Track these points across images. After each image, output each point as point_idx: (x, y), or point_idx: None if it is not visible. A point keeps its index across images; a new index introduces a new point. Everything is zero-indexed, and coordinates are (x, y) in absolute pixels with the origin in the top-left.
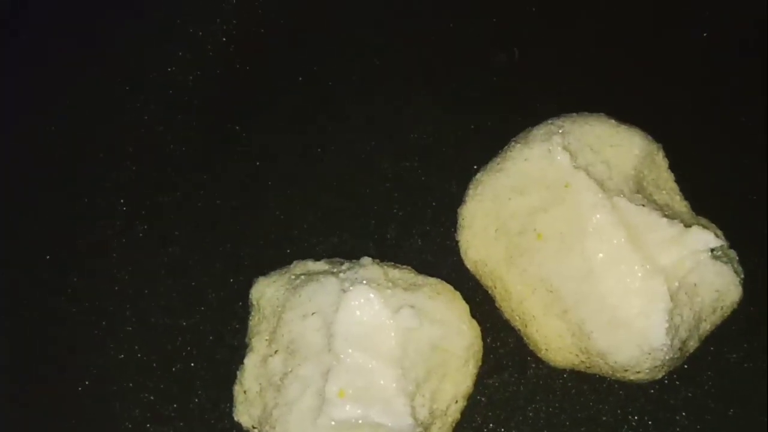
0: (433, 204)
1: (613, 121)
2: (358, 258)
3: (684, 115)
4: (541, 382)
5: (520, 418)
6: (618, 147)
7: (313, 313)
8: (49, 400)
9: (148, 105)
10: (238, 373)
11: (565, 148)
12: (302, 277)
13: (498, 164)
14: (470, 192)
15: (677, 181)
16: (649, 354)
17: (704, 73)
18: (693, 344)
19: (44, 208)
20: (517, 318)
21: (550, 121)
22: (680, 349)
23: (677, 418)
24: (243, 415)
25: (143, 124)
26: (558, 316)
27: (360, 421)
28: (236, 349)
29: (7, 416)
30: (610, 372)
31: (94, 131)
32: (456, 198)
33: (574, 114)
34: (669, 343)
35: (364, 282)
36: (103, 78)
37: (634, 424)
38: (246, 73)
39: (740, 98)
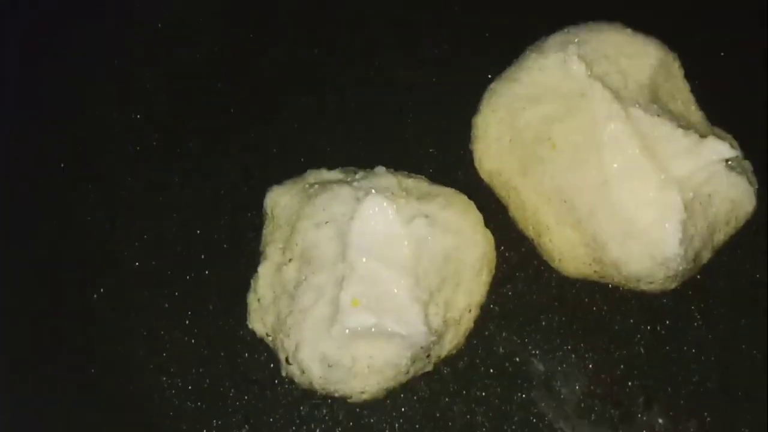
0: (448, 113)
1: (629, 30)
2: (372, 167)
3: (700, 24)
4: (554, 292)
5: (533, 327)
6: (634, 56)
7: (327, 222)
8: (64, 310)
9: (160, 14)
10: (252, 281)
11: (580, 57)
12: (316, 185)
13: (513, 73)
14: (485, 101)
15: (693, 91)
16: (663, 264)
17: None
18: (706, 255)
19: (56, 122)
20: (531, 228)
21: (565, 30)
22: (693, 259)
23: (689, 328)
24: (257, 322)
25: (158, 34)
26: (572, 226)
27: (374, 330)
28: (250, 258)
29: (20, 327)
30: (623, 282)
31: (108, 38)
32: (471, 107)
33: (590, 23)
34: (682, 253)
35: (379, 191)
36: None
37: (646, 333)
38: None
39: (757, 7)
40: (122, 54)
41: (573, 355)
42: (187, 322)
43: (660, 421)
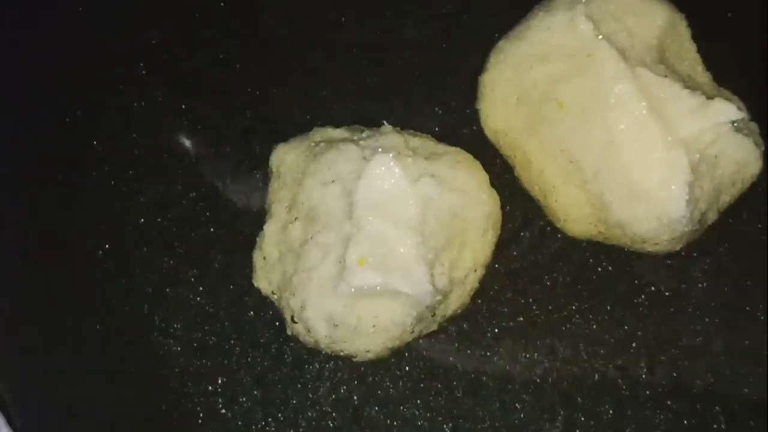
0: (454, 72)
1: None
2: (378, 125)
3: None
4: (559, 252)
5: (537, 287)
6: (641, 16)
7: (333, 181)
8: (69, 266)
9: None
10: (257, 239)
11: (587, 16)
12: (322, 144)
13: (520, 32)
14: (491, 60)
15: (699, 51)
16: (668, 225)
17: None
18: (712, 216)
19: (59, 75)
20: (537, 188)
21: None
22: (699, 221)
23: (694, 289)
24: (262, 281)
25: None
26: (578, 186)
27: (379, 289)
28: (256, 216)
29: (22, 284)
30: (629, 243)
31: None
32: (477, 66)
33: None
34: (688, 214)
35: (385, 150)
36: None
37: (650, 294)
38: None
39: None
40: (125, 10)
41: (577, 316)
42: (192, 279)
43: (663, 382)
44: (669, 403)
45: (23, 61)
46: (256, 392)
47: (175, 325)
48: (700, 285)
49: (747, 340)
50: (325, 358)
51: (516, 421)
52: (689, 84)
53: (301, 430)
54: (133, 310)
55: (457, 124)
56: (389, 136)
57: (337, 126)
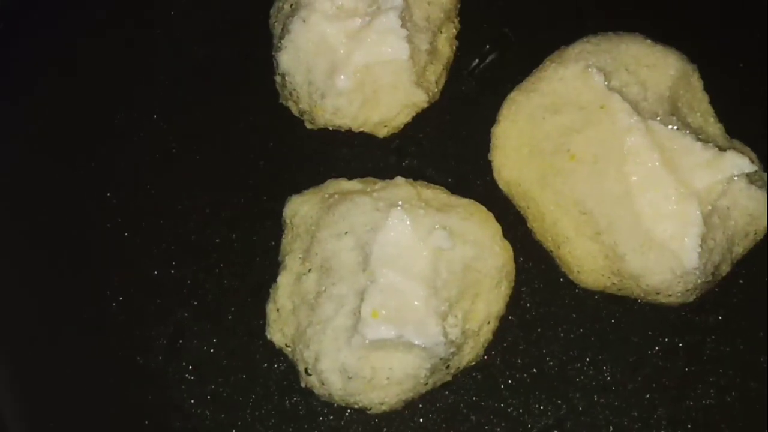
0: (467, 123)
1: (648, 40)
2: (391, 177)
3: (719, 36)
4: (572, 304)
5: (551, 338)
6: (653, 67)
7: (346, 232)
8: (83, 318)
9: (179, 23)
10: (271, 291)
11: (600, 68)
12: (336, 195)
13: (532, 83)
14: (504, 111)
15: (711, 102)
16: (682, 277)
17: None
18: (725, 268)
19: (73, 127)
20: (550, 239)
21: (585, 40)
22: (712, 272)
23: (707, 340)
24: (276, 333)
25: (177, 36)
26: (591, 238)
27: (393, 341)
28: (270, 267)
29: (38, 334)
30: (642, 295)
31: (127, 41)
32: (490, 117)
33: (610, 33)
34: (701, 266)
35: (399, 203)
36: None
37: (664, 346)
38: None
39: None
40: (141, 56)
41: (591, 367)
42: (205, 331)
43: None
44: None
45: (37, 110)
46: None
47: (189, 377)
48: (714, 336)
49: (762, 390)
50: (339, 410)
51: None
52: (701, 135)
53: None
54: (147, 363)
55: (469, 176)
56: (402, 188)
57: (350, 178)
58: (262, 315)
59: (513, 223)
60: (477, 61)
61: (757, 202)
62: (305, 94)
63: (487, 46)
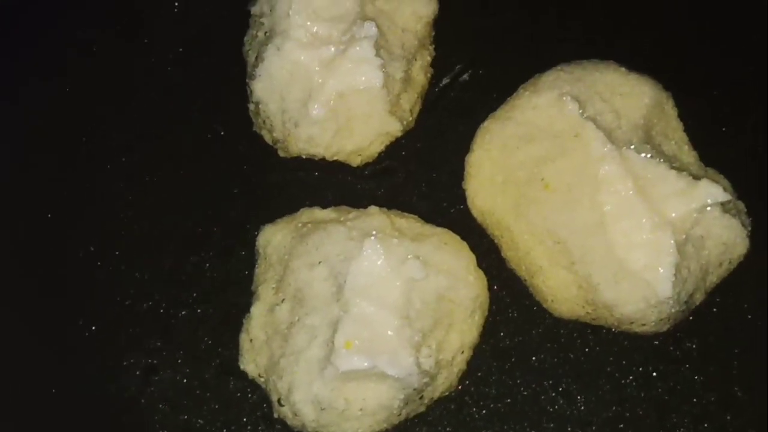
0: (441, 152)
1: (623, 69)
2: (365, 206)
3: (692, 64)
4: (546, 333)
5: (525, 367)
6: (628, 96)
7: (320, 262)
8: (56, 347)
9: (154, 50)
10: (244, 321)
11: (574, 96)
12: (309, 225)
13: (506, 112)
14: (478, 140)
15: (686, 130)
16: (656, 307)
17: (714, 22)
18: (699, 297)
19: (49, 155)
20: (524, 268)
21: (559, 68)
22: (686, 302)
23: (681, 369)
24: (249, 363)
25: (151, 65)
26: (565, 267)
27: (366, 372)
28: (242, 297)
29: (14, 364)
30: (616, 324)
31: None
32: (463, 146)
33: (584, 61)
34: (675, 296)
35: (373, 232)
36: None
37: (638, 375)
38: None
39: (750, 48)
40: (116, 84)
41: (565, 397)
42: (179, 361)
43: None
44: None
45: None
46: None
47: (162, 407)
48: (688, 365)
49: (737, 421)
50: None
51: None
52: (676, 164)
53: None
54: (119, 392)
55: (443, 205)
56: (376, 217)
57: (324, 207)
58: (236, 345)
59: (487, 251)
60: (451, 89)
61: (731, 231)
62: (279, 122)
63: (462, 74)
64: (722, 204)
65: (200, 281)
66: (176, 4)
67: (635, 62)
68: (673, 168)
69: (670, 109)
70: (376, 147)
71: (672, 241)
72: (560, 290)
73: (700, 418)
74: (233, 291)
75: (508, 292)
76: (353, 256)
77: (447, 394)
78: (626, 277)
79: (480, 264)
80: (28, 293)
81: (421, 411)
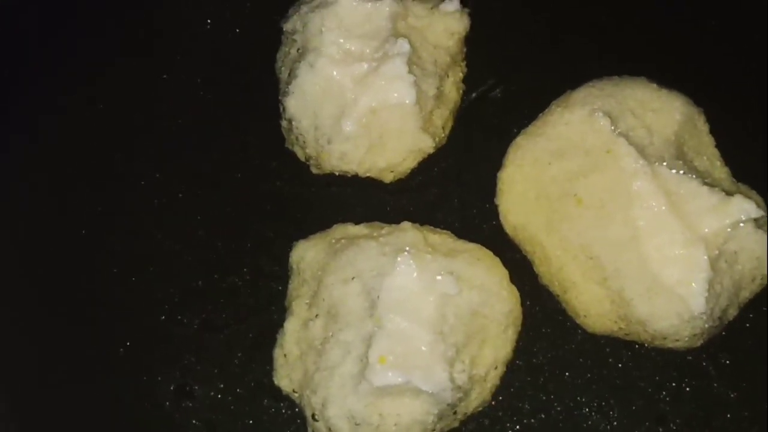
0: (473, 168)
1: (654, 85)
2: (398, 222)
3: (724, 79)
4: (579, 349)
5: (559, 383)
6: (659, 112)
7: (353, 278)
8: (90, 364)
9: (185, 67)
10: (278, 336)
11: (605, 112)
12: (342, 240)
13: (538, 128)
14: (510, 156)
15: (718, 146)
16: (689, 322)
17: (745, 38)
18: (732, 312)
19: (80, 177)
20: (557, 284)
21: (591, 84)
22: (719, 317)
23: (714, 385)
24: (283, 379)
25: (183, 83)
26: (598, 282)
27: (401, 387)
28: (276, 313)
29: (49, 382)
30: (649, 339)
31: (137, 92)
32: (496, 162)
33: (616, 77)
34: (709, 311)
35: (406, 248)
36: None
37: (672, 391)
38: None
39: None
40: (147, 100)
41: (599, 412)
42: (213, 377)
43: None
44: None
45: (42, 155)
46: None
47: (196, 423)
48: (721, 380)
49: None
50: None
51: None
52: (708, 180)
53: None
54: (154, 409)
55: (476, 220)
56: (408, 232)
57: (357, 223)
58: (270, 361)
59: (520, 267)
60: (483, 105)
61: (764, 246)
62: (312, 139)
63: (494, 91)
64: (755, 220)
65: (234, 298)
66: (209, 21)
67: (666, 78)
68: (705, 184)
69: (702, 125)
70: (409, 163)
71: (705, 257)
72: (593, 306)
73: None
74: (267, 307)
75: (540, 307)
76: (386, 272)
77: (480, 409)
78: (659, 292)
79: (513, 279)
80: (63, 311)
81: (455, 426)
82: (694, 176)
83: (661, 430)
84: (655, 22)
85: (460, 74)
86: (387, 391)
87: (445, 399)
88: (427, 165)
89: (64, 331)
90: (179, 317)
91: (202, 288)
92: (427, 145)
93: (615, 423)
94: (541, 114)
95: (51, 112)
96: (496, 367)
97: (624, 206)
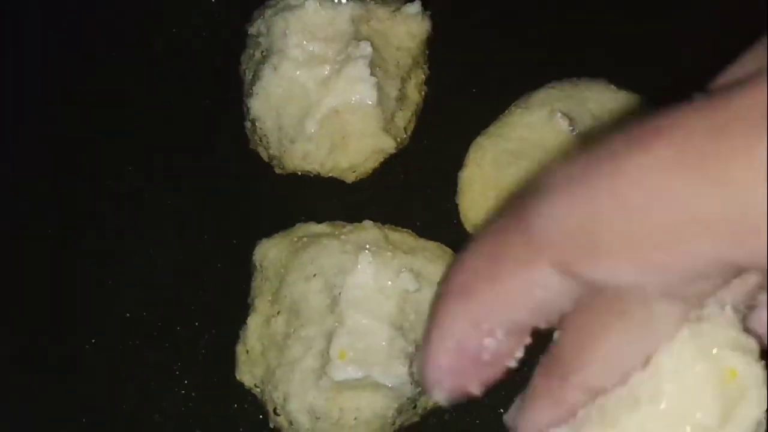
0: (435, 168)
1: (613, 86)
2: (360, 220)
3: (685, 83)
4: (541, 345)
5: (518, 378)
6: (618, 113)
7: (315, 275)
8: (54, 360)
9: (150, 68)
10: (240, 332)
11: (565, 113)
12: (305, 239)
13: (498, 128)
14: (470, 156)
15: None
16: None
17: (709, 40)
18: None
19: (48, 176)
20: None
21: (550, 85)
22: None
23: None
24: (245, 374)
25: (148, 84)
26: None
27: (361, 382)
28: (239, 310)
29: (14, 376)
30: None
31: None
32: (456, 162)
33: (575, 79)
34: None
35: (366, 246)
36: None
37: None
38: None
39: None
40: (110, 100)
41: None
42: (176, 372)
43: None
44: None
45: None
46: None
47: (158, 417)
48: None
49: None
50: None
51: None
52: None
53: None
54: (118, 402)
55: (437, 219)
56: (370, 231)
57: (319, 221)
58: (232, 356)
59: None
60: (445, 107)
61: None
62: (275, 139)
63: (455, 93)
64: None
65: (197, 295)
66: (174, 23)
67: (625, 81)
68: None
69: None
70: (371, 164)
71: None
72: None
73: None
74: (230, 304)
75: None
76: (348, 269)
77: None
78: None
79: None
80: (30, 304)
81: (416, 421)
82: None
83: None
84: (615, 25)
85: (423, 76)
86: (347, 385)
87: (404, 393)
88: (389, 165)
89: (26, 325)
90: (143, 313)
91: (166, 286)
92: (389, 146)
93: None
94: (501, 115)
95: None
96: None
97: None
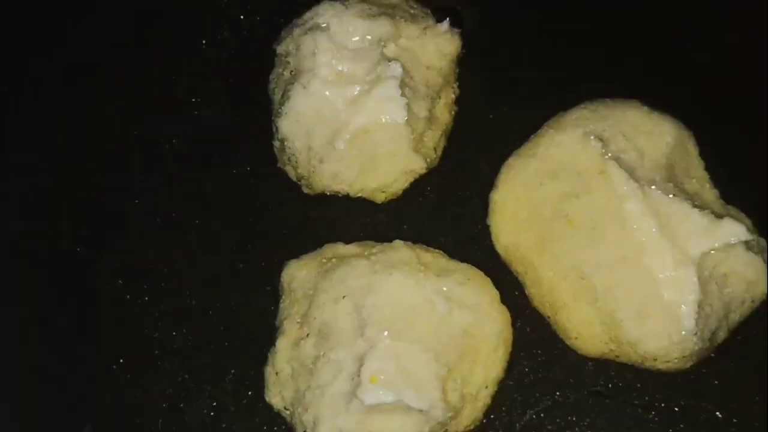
0: (465, 188)
1: (645, 108)
2: (389, 241)
3: (714, 103)
4: (570, 369)
5: (549, 404)
6: (650, 134)
7: (344, 297)
8: (85, 379)
9: (179, 87)
10: (269, 355)
11: (597, 134)
12: (333, 260)
13: (530, 149)
14: (502, 177)
15: (707, 169)
16: (679, 344)
17: (737, 62)
18: (722, 335)
19: (71, 194)
20: (547, 305)
21: (583, 106)
22: (709, 339)
23: (703, 405)
24: (275, 396)
25: (178, 102)
26: (589, 303)
27: (392, 405)
28: (268, 332)
29: (34, 392)
30: (639, 361)
31: (129, 107)
32: (488, 182)
33: (608, 100)
34: (698, 333)
35: (397, 266)
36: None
37: (661, 411)
38: None
39: None
40: (141, 120)
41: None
42: (206, 394)
43: None
44: None
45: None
46: None
47: None
48: (709, 401)
49: None
50: None
51: None
52: (698, 202)
53: None
54: (145, 424)
55: (468, 240)
56: (401, 251)
57: (348, 242)
58: (261, 379)
59: (511, 288)
60: (475, 126)
61: (754, 269)
62: (304, 159)
63: (486, 112)
64: (745, 242)
65: (226, 316)
66: (204, 42)
67: (658, 101)
68: (695, 206)
69: (692, 148)
70: (400, 184)
71: (695, 279)
72: (584, 327)
73: None
74: (259, 326)
75: (531, 328)
76: (377, 290)
77: (472, 428)
78: (650, 313)
79: (504, 300)
80: (58, 324)
81: None
82: (684, 198)
83: None
84: (647, 45)
85: (452, 96)
86: (378, 409)
87: (436, 417)
88: (419, 185)
89: (58, 345)
90: (173, 334)
91: (196, 306)
92: (419, 166)
93: None
94: (533, 135)
95: (48, 129)
96: (487, 386)
97: (615, 228)
